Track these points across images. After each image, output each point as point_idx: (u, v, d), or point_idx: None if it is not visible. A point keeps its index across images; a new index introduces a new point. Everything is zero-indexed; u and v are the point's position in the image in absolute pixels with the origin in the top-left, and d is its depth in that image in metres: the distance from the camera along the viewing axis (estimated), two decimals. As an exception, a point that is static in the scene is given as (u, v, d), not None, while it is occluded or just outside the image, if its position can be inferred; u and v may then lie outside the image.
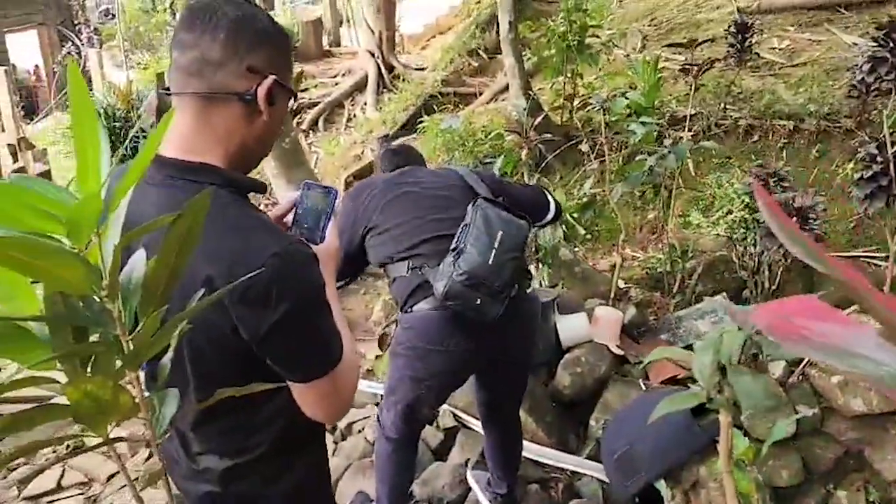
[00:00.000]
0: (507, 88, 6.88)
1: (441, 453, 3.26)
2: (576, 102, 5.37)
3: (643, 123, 3.51)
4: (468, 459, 3.16)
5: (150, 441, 0.81)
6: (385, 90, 8.53)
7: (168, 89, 1.19)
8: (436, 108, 7.10)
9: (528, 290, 2.30)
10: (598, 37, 5.36)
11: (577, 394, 3.24)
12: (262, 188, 1.29)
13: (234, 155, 1.21)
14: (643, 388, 3.20)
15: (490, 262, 2.03)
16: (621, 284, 3.90)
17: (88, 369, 0.81)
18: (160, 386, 0.84)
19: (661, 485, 2.53)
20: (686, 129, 3.93)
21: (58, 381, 0.80)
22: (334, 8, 12.12)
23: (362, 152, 7.15)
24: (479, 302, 2.04)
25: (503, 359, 2.31)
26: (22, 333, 0.77)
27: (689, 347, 3.48)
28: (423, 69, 8.69)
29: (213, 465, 1.25)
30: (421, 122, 6.84)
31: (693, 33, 6.02)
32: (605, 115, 3.50)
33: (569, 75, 5.17)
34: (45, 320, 0.74)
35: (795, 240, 0.46)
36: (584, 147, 3.74)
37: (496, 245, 2.04)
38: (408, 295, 2.20)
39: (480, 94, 7.12)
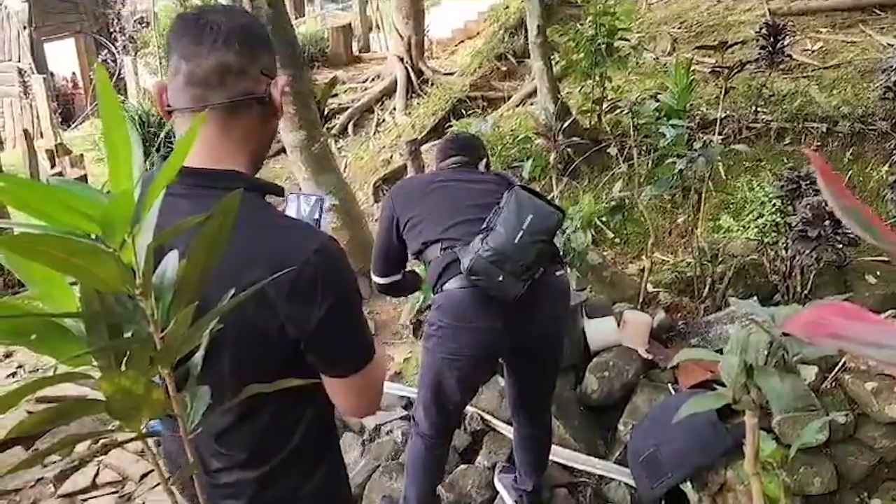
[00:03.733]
0: (534, 92, 6.87)
1: (468, 456, 3.26)
2: (604, 106, 5.35)
3: (673, 126, 3.49)
4: (495, 463, 3.16)
5: (182, 437, 0.83)
6: (414, 95, 8.57)
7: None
8: (464, 112, 7.12)
9: (558, 273, 2.30)
10: (627, 40, 5.33)
11: (605, 398, 3.23)
12: (280, 191, 1.32)
13: (254, 158, 1.25)
14: (672, 392, 3.17)
15: (516, 241, 2.06)
16: (650, 288, 3.87)
17: (122, 366, 0.83)
18: (192, 383, 0.87)
19: (688, 487, 2.51)
20: (717, 132, 3.89)
21: (92, 377, 0.83)
22: (364, 14, 12.20)
23: (391, 157, 7.19)
24: (500, 279, 2.07)
25: (529, 341, 2.31)
26: (60, 330, 0.79)
27: (719, 352, 3.45)
28: (451, 74, 8.71)
29: (245, 477, 1.25)
30: (450, 126, 6.86)
31: (723, 36, 5.96)
32: (634, 118, 3.49)
33: (597, 79, 5.15)
34: (82, 317, 0.77)
35: (852, 212, 0.47)
36: (613, 150, 3.72)
37: (524, 227, 2.07)
38: (439, 274, 2.25)
39: (509, 98, 7.11)
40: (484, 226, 2.15)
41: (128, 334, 0.83)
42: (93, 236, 0.72)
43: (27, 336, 0.77)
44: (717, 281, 3.73)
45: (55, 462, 3.61)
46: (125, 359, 0.83)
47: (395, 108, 8.50)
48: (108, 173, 0.74)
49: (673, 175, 3.45)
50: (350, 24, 11.91)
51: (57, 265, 0.70)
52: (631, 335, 3.37)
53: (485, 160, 2.71)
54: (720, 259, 3.68)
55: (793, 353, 0.91)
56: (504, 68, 7.55)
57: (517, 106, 6.82)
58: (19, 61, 15.32)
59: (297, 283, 1.09)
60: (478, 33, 10.66)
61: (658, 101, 3.92)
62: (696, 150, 3.35)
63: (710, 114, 4.80)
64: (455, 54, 10.45)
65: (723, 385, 3.12)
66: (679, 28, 6.69)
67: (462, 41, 10.95)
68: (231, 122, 1.19)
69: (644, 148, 4.67)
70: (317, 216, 1.38)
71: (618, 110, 5.23)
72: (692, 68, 4.58)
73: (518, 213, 2.09)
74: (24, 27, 15.16)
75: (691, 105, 4.88)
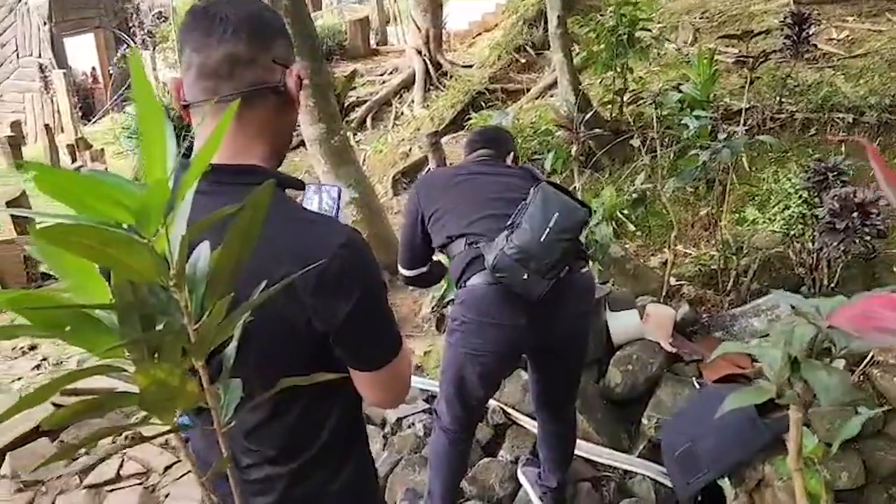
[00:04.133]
0: (554, 84, 6.83)
1: (490, 450, 3.25)
2: (626, 97, 5.29)
3: (697, 117, 3.44)
4: (518, 456, 3.15)
5: (216, 430, 0.82)
6: (432, 87, 8.54)
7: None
8: (484, 104, 7.09)
9: (583, 270, 2.28)
10: (648, 30, 5.27)
11: (628, 392, 3.20)
12: (301, 185, 1.30)
13: (273, 150, 1.23)
14: (697, 386, 3.14)
15: (542, 239, 2.03)
16: (673, 281, 3.83)
17: (155, 358, 0.83)
18: (225, 375, 0.86)
19: (725, 483, 2.48)
20: (742, 123, 3.84)
21: (125, 370, 0.82)
22: (381, 7, 12.18)
23: (410, 150, 7.18)
24: (525, 277, 2.04)
25: (554, 338, 2.29)
26: (92, 322, 0.79)
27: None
28: (470, 66, 8.67)
29: (275, 472, 1.25)
30: (469, 118, 6.84)
31: (746, 25, 5.88)
32: (657, 109, 3.44)
33: (618, 70, 5.10)
34: (115, 308, 0.76)
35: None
36: (636, 142, 3.68)
37: (550, 224, 2.04)
38: (463, 269, 2.23)
39: (528, 90, 7.07)
40: (509, 222, 2.12)
41: (160, 326, 0.82)
42: (125, 226, 0.71)
43: (61, 328, 0.76)
44: (741, 274, 3.69)
45: (79, 457, 3.64)
46: (157, 351, 0.83)
47: (413, 101, 8.49)
48: (142, 163, 0.73)
49: (696, 167, 3.40)
50: (367, 17, 11.89)
51: (91, 255, 0.69)
52: (654, 328, 3.34)
53: (512, 154, 2.68)
54: (745, 251, 3.63)
55: (840, 346, 0.88)
56: (523, 60, 7.50)
57: (536, 98, 6.79)
58: (40, 56, 15.47)
59: (323, 278, 1.08)
60: (495, 25, 10.60)
61: (681, 92, 3.87)
62: (720, 141, 3.30)
63: (734, 104, 4.75)
64: (473, 47, 10.41)
65: (749, 379, 3.09)
66: (701, 18, 6.61)
67: (479, 33, 10.90)
68: (245, 114, 1.16)
69: (666, 139, 4.62)
70: (336, 208, 1.37)
71: (639, 102, 5.18)
72: (715, 59, 4.51)
73: (544, 210, 2.06)
74: (45, 22, 15.29)
75: (714, 96, 4.82)
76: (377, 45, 11.77)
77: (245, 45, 1.14)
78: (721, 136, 3.23)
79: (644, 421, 3.09)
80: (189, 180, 0.76)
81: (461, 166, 2.60)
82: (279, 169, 1.28)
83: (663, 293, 3.68)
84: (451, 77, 8.47)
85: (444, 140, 6.91)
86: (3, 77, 15.86)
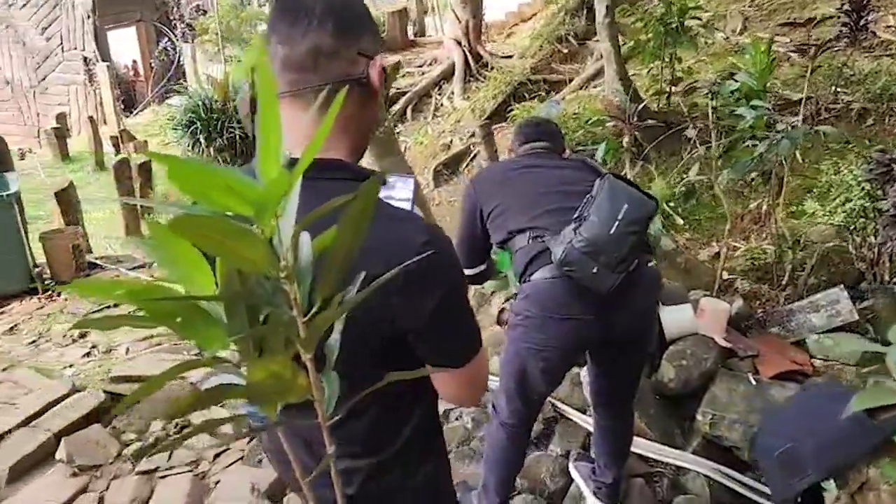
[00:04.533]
0: (598, 75, 6.75)
1: (540, 443, 3.23)
2: (674, 87, 5.18)
3: (753, 107, 3.36)
4: (569, 450, 3.12)
5: (320, 423, 0.82)
6: (472, 79, 8.49)
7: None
8: (526, 95, 7.02)
9: (650, 264, 2.24)
10: (699, 19, 5.16)
11: (681, 387, 3.15)
12: (383, 180, 1.29)
13: (356, 145, 1.21)
14: (752, 382, 3.08)
15: (611, 232, 2.00)
16: (725, 276, 3.76)
17: (259, 351, 0.82)
18: (328, 368, 0.85)
19: (830, 485, 2.39)
20: (801, 113, 3.74)
21: (230, 362, 0.81)
22: (420, -3, 12.16)
23: (451, 141, 7.15)
24: (595, 271, 2.01)
25: (620, 333, 2.25)
26: (202, 314, 0.78)
27: (800, 343, 3.34)
28: (509, 57, 8.60)
29: (355, 465, 1.24)
30: (511, 110, 6.78)
31: (799, 13, 5.73)
32: (713, 99, 3.37)
33: (666, 60, 5.00)
34: (223, 300, 0.76)
35: None
36: (691, 133, 3.60)
37: (619, 217, 2.01)
38: (527, 263, 2.19)
39: (570, 81, 6.99)
40: (576, 215, 2.09)
41: (263, 318, 0.81)
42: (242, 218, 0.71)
43: (173, 319, 0.76)
44: (797, 268, 3.60)
45: (131, 443, 3.70)
46: (262, 343, 0.82)
47: (453, 93, 8.45)
48: (258, 156, 0.73)
49: (753, 158, 3.32)
50: (405, 9, 11.88)
51: (211, 246, 0.68)
52: (708, 323, 3.28)
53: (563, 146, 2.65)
54: (801, 245, 3.54)
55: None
56: (565, 51, 7.41)
57: (579, 89, 6.70)
58: (84, 50, 15.76)
59: (409, 275, 1.05)
60: (533, 16, 10.50)
61: (736, 81, 3.77)
62: (778, 132, 3.22)
63: (788, 94, 4.62)
64: (511, 37, 10.33)
65: (806, 376, 3.00)
66: (751, 6, 6.46)
67: (516, 24, 10.81)
68: (328, 107, 1.16)
69: (718, 131, 4.52)
70: (411, 200, 1.35)
71: (686, 92, 5.08)
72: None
73: (612, 203, 2.03)
74: (88, 16, 15.56)
75: (768, 86, 4.69)
76: (415, 36, 11.75)
77: (330, 36, 1.12)
78: (780, 126, 3.14)
79: (698, 417, 3.04)
80: (298, 173, 0.75)
81: (517, 160, 2.55)
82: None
83: (716, 287, 3.61)
84: (491, 68, 8.41)
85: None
86: (48, 70, 16.20)
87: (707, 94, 3.44)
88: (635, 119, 3.32)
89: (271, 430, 1.37)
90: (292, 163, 1.13)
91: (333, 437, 1.23)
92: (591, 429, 3.19)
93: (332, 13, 1.13)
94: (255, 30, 14.47)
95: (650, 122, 3.71)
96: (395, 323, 1.10)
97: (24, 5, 15.88)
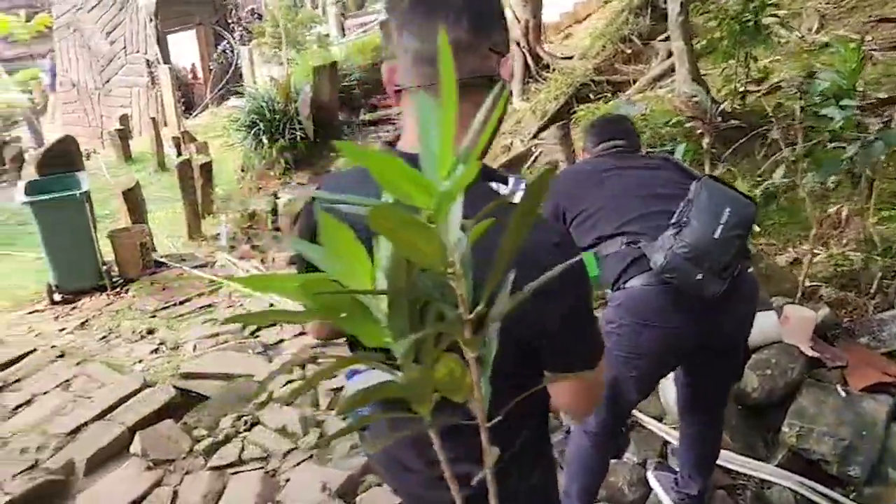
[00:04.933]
0: (663, 76, 6.62)
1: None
2: (750, 87, 5.02)
3: (842, 107, 3.22)
4: (646, 459, 3.04)
5: (479, 424, 0.78)
6: (532, 80, 8.40)
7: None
8: (589, 96, 6.91)
9: (749, 270, 2.16)
10: (777, 16, 4.99)
11: (765, 397, 3.05)
12: (505, 179, 1.26)
13: (485, 144, 1.18)
14: (842, 394, 2.96)
15: (716, 236, 1.93)
16: (807, 282, 3.62)
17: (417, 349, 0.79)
18: (486, 368, 0.81)
19: None
20: (882, 114, 3.58)
21: (383, 361, 0.79)
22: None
23: (511, 143, 7.09)
24: (699, 277, 1.94)
25: (720, 340, 2.17)
26: (363, 309, 0.76)
27: (892, 354, 3.19)
28: (569, 58, 8.49)
29: (472, 469, 1.22)
30: (573, 111, 6.69)
31: (881, 10, 5.51)
32: (801, 99, 3.24)
33: (741, 59, 4.85)
34: (398, 294, 0.73)
35: None
36: (775, 134, 3.47)
37: (723, 221, 1.94)
38: (621, 270, 2.12)
39: (634, 81, 6.86)
40: (674, 220, 2.01)
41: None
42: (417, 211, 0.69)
43: (338, 313, 0.73)
44: (886, 276, 3.44)
45: (203, 438, 3.73)
46: (421, 341, 0.79)
47: (512, 94, 8.38)
48: (429, 149, 0.71)
49: (842, 160, 3.19)
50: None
51: (392, 236, 0.67)
52: (794, 331, 3.16)
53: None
54: (893, 252, 3.38)
55: None
56: (628, 51, 7.28)
57: (644, 90, 6.57)
58: (146, 53, 16.17)
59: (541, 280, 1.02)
60: (588, 16, 10.37)
61: (819, 80, 3.63)
62: (870, 133, 3.08)
63: (873, 94, 4.43)
64: (569, 38, 10.21)
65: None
66: (827, 4, 6.24)
67: (571, 24, 10.68)
68: (460, 104, 1.13)
69: (794, 132, 4.37)
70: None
71: (765, 93, 4.92)
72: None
73: (713, 206, 1.96)
74: (151, 19, 15.96)
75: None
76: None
77: (466, 31, 1.10)
78: (874, 127, 3.01)
79: (784, 429, 2.93)
80: (472, 171, 0.72)
81: (601, 160, 2.47)
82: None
83: (798, 294, 3.48)
84: (551, 69, 8.31)
85: (545, 134, 6.79)
86: (112, 73, 16.68)
87: (795, 93, 3.32)
88: (718, 119, 3.21)
89: (378, 432, 1.34)
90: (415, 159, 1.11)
91: (447, 440, 1.21)
92: (667, 437, 3.12)
93: (469, 6, 1.11)
94: (309, 32, 14.64)
95: (735, 122, 3.59)
96: (531, 326, 1.07)
97: (92, 9, 16.37)
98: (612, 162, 2.40)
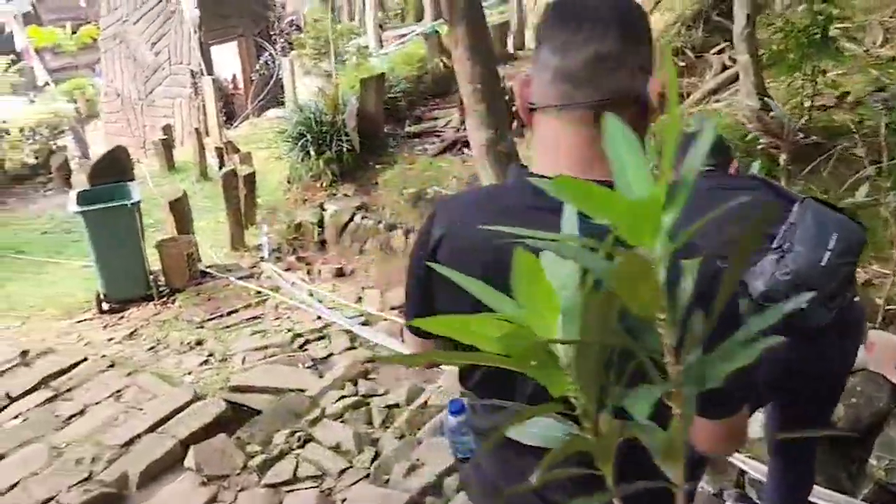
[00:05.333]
0: (719, 89, 6.47)
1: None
2: (826, 102, 4.84)
3: (930, 123, 3.07)
4: (721, 489, 2.91)
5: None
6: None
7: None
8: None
9: (856, 299, 2.02)
10: (847, 29, 4.83)
11: (850, 428, 2.89)
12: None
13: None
14: (934, 427, 2.79)
15: (823, 263, 1.80)
16: (886, 306, 3.45)
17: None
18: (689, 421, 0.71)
19: None
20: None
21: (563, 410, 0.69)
22: (521, 11, 12.06)
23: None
24: (803, 307, 1.81)
25: (821, 374, 2.04)
26: (549, 354, 0.66)
27: None
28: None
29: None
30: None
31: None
32: (889, 113, 3.10)
33: (808, 73, 4.68)
34: (598, 343, 0.63)
35: None
36: (860, 150, 3.32)
37: (830, 246, 1.81)
38: None
39: (688, 95, 6.71)
40: (776, 244, 1.89)
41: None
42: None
43: (528, 361, 0.64)
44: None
45: (256, 455, 3.67)
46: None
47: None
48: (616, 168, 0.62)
49: (931, 178, 3.04)
50: (507, 22, 11.83)
51: (616, 281, 0.57)
52: (879, 358, 3.00)
53: (734, 162, 2.43)
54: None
55: None
56: (682, 63, 7.12)
57: (699, 104, 6.42)
58: (189, 64, 16.40)
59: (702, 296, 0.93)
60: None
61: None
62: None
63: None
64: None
65: None
66: (892, 17, 6.04)
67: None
68: (601, 124, 1.05)
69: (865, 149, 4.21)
70: None
71: (835, 107, 4.75)
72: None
73: (819, 230, 1.83)
74: (195, 31, 16.19)
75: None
76: (515, 49, 11.65)
77: (612, 46, 1.01)
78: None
79: (872, 461, 2.77)
80: (682, 198, 0.63)
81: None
82: None
83: (879, 318, 3.31)
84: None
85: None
86: (155, 84, 16.94)
87: (881, 109, 3.17)
88: (798, 135, 3.09)
89: (484, 458, 1.25)
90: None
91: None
92: (743, 466, 2.97)
93: (618, 20, 1.03)
94: (349, 44, 14.68)
95: (814, 138, 3.46)
96: None
97: (137, 21, 16.66)
98: (699, 184, 2.28)
